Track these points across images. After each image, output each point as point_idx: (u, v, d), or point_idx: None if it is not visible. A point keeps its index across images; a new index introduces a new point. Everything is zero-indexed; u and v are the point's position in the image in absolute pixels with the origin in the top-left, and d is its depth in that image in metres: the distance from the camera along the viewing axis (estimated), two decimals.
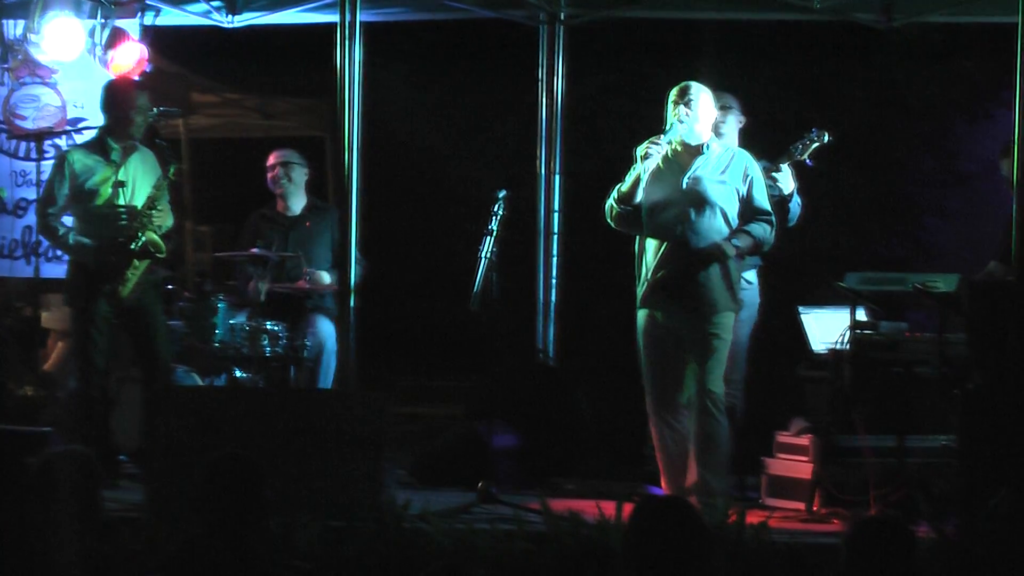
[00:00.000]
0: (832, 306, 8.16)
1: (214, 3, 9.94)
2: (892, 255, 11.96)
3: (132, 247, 8.38)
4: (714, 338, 7.82)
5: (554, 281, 10.06)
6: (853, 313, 7.89)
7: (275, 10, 10.00)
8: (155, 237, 8.46)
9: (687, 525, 4.69)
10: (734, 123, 8.53)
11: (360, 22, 8.05)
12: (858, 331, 7.86)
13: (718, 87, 8.26)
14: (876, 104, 12.39)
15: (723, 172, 7.90)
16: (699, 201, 7.87)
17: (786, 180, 8.40)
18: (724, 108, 8.39)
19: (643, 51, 12.18)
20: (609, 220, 8.02)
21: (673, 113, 7.88)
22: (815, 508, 7.86)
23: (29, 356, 9.34)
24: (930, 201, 12.20)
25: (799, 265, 10.39)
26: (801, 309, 8.30)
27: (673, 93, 7.92)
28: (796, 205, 8.49)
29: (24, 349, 9.37)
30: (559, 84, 10.06)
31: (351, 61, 8.11)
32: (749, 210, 7.90)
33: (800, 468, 8.04)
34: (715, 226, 7.85)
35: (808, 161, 8.40)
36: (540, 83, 10.09)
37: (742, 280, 8.08)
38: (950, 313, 7.68)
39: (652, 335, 7.93)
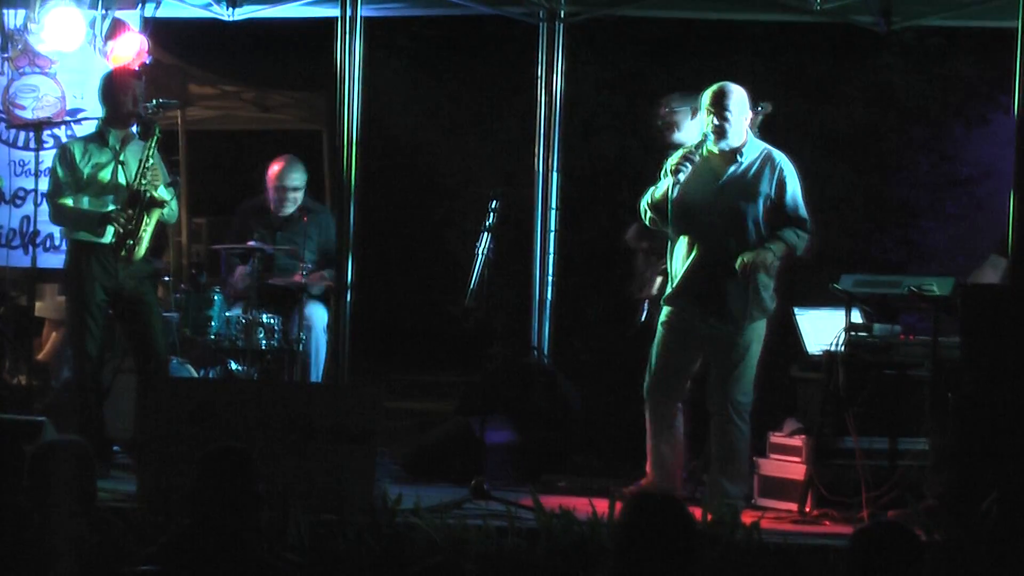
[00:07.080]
0: (827, 307, 8.15)
1: None
2: (887, 257, 11.97)
3: (136, 208, 8.32)
4: (742, 347, 7.78)
5: (550, 278, 10.04)
6: (848, 315, 7.89)
7: (276, 3, 9.99)
8: (155, 192, 8.40)
9: (677, 522, 4.69)
10: (693, 124, 8.27)
11: (360, 16, 8.05)
12: (852, 333, 7.86)
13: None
14: (873, 106, 12.39)
15: (756, 178, 7.80)
16: (731, 210, 7.77)
17: None
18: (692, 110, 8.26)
19: (642, 50, 12.20)
20: (645, 220, 7.97)
21: (707, 121, 7.75)
22: (807, 509, 7.87)
23: (23, 345, 9.34)
24: (926, 204, 12.21)
25: (794, 266, 10.40)
26: (796, 310, 8.29)
27: (707, 99, 7.78)
28: None
29: (19, 338, 9.37)
30: (558, 81, 10.04)
31: (351, 55, 8.10)
32: (781, 215, 7.80)
33: (793, 469, 8.05)
34: (746, 236, 7.77)
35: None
36: (539, 80, 10.07)
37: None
38: (944, 317, 7.69)
39: (671, 327, 7.87)
